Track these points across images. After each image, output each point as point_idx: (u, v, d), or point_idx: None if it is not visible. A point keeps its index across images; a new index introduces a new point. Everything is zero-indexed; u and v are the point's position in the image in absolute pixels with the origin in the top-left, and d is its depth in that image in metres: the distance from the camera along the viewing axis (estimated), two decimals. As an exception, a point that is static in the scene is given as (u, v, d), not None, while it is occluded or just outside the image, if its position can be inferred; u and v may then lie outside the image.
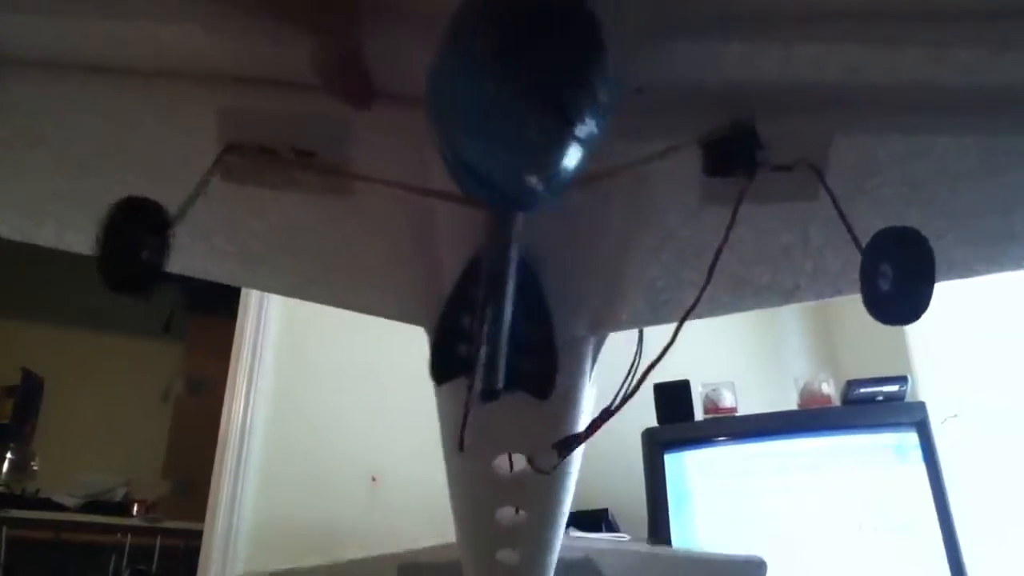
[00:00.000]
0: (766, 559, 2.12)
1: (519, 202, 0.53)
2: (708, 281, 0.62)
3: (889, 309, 0.61)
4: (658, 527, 2.20)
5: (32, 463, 3.82)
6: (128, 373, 4.10)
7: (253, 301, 2.64)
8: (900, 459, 2.16)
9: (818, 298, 0.75)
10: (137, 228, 0.57)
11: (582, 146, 0.48)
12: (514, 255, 0.61)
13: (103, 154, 0.69)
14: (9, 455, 3.75)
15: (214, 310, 3.42)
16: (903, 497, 2.11)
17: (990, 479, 2.25)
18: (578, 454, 0.86)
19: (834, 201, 0.63)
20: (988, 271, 0.73)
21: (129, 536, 3.54)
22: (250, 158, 0.64)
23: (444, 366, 0.72)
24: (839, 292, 0.72)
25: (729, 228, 0.62)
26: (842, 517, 2.13)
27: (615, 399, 0.77)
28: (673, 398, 2.37)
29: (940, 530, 2.03)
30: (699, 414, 2.41)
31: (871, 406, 2.24)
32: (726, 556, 1.47)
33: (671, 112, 0.64)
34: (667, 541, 2.18)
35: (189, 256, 0.70)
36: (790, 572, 2.10)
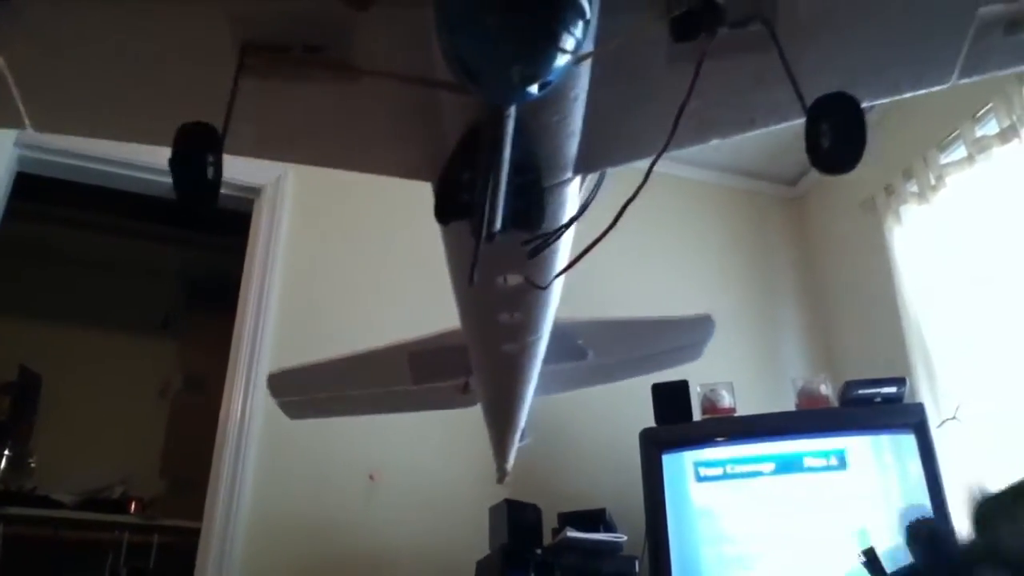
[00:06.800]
0: (763, 557, 2.13)
1: (507, 99, 0.64)
2: (675, 128, 0.75)
3: (830, 161, 0.74)
4: (656, 527, 2.20)
5: (29, 460, 3.81)
6: (126, 370, 4.09)
7: (252, 298, 2.64)
8: (898, 461, 2.16)
9: (768, 126, 0.87)
10: (200, 152, 0.71)
11: (567, 54, 0.56)
12: (510, 128, 0.71)
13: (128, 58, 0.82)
14: (6, 452, 3.74)
15: (212, 307, 3.40)
16: (901, 499, 2.11)
17: (988, 481, 2.24)
18: (561, 277, 1.06)
19: (780, 53, 0.76)
20: (914, 89, 0.86)
21: (126, 534, 3.53)
22: (266, 56, 0.77)
23: (447, 210, 0.85)
24: (788, 120, 0.84)
25: (692, 82, 0.73)
26: (839, 518, 2.13)
27: (581, 207, 0.94)
28: (671, 398, 2.37)
29: (938, 531, 2.03)
30: (697, 414, 2.41)
31: (869, 407, 2.24)
32: (680, 316, 1.69)
33: None
34: (665, 542, 2.18)
35: (239, 141, 0.80)
36: (787, 571, 2.11)
